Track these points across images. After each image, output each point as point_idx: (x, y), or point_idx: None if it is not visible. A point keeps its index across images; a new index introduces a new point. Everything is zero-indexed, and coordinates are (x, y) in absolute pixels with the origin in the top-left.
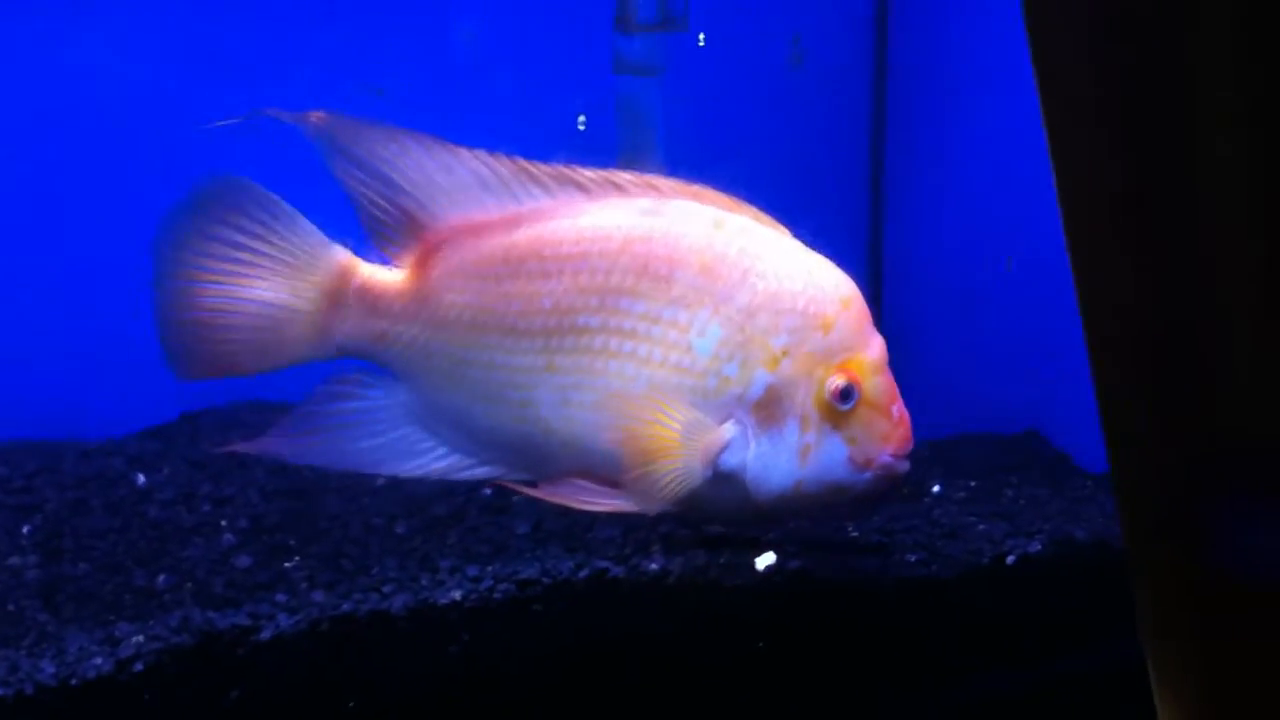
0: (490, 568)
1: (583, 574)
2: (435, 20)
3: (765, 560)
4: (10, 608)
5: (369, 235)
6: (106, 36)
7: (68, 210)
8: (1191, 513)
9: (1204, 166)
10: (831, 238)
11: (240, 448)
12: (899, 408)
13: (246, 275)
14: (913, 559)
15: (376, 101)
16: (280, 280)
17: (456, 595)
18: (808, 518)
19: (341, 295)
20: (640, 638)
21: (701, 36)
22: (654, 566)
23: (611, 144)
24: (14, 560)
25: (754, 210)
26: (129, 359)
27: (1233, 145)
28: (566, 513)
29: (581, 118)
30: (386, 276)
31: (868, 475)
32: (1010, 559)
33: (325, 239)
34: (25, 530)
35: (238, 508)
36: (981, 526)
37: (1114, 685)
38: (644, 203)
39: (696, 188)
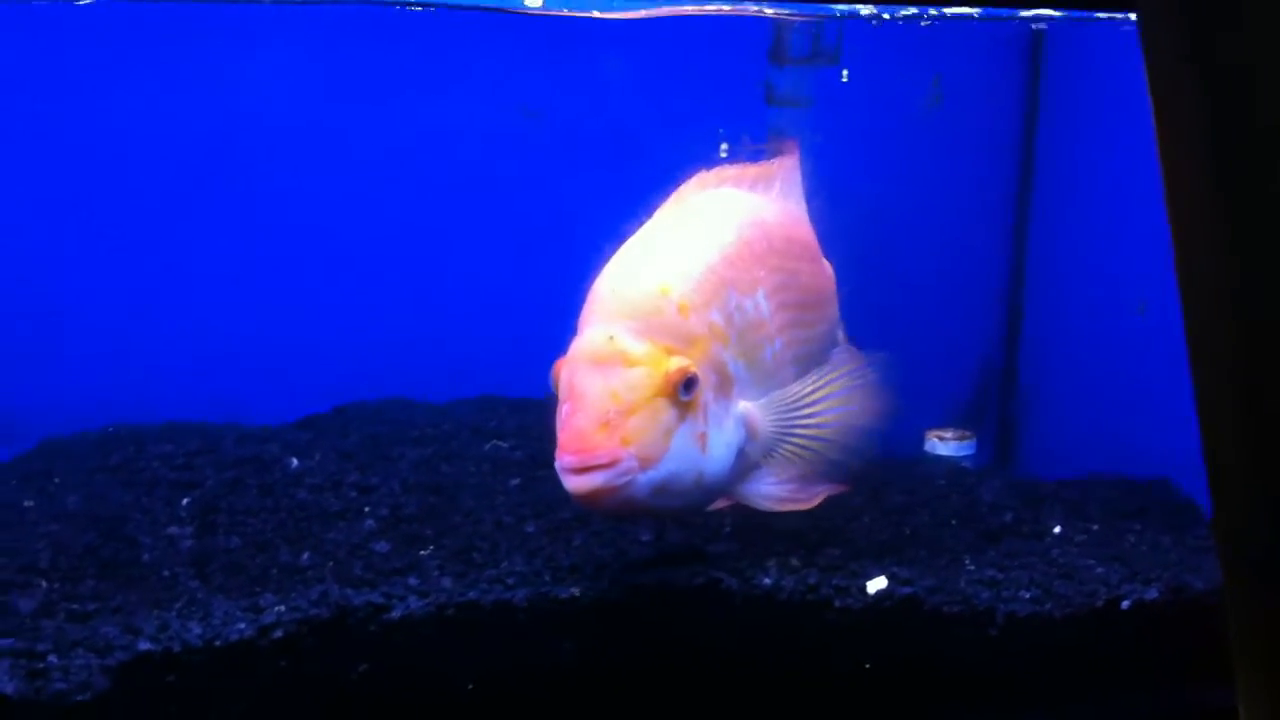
0: (610, 570)
1: (698, 581)
2: (590, 47)
3: (877, 584)
4: (165, 573)
5: None
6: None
7: (247, 225)
8: None
9: None
10: (972, 275)
11: None
12: (565, 412)
13: None
14: (1026, 595)
15: (531, 122)
16: None
17: (576, 592)
18: None
19: None
20: (749, 647)
21: (845, 72)
22: (767, 581)
23: None
24: (172, 530)
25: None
26: (288, 355)
27: None
28: (687, 525)
29: (724, 145)
30: None
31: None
32: (1125, 604)
33: None
34: (184, 503)
35: (380, 497)
36: (1099, 569)
37: None
38: None
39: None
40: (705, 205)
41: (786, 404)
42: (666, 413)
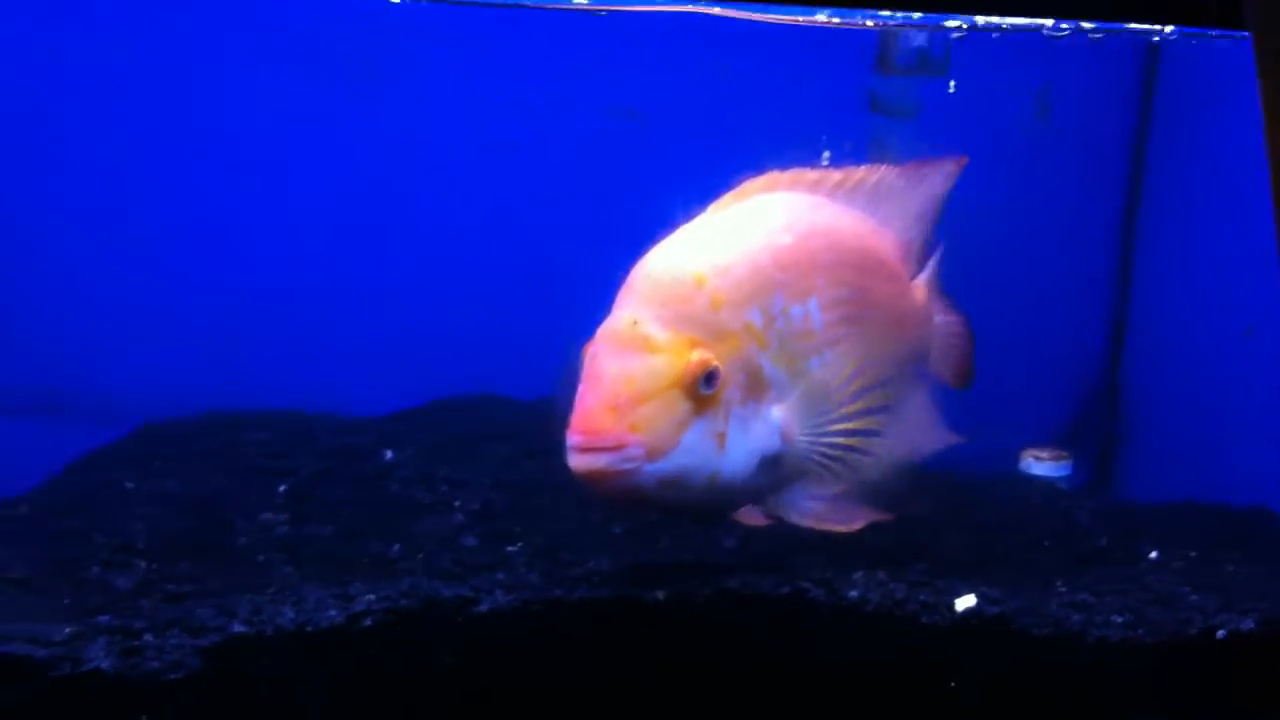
0: (695, 574)
1: (783, 590)
2: (693, 48)
3: (965, 602)
4: (259, 559)
5: None
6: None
7: (349, 220)
8: None
9: None
10: (1075, 293)
11: None
12: (581, 392)
13: None
14: (1119, 620)
15: (630, 123)
16: None
17: (660, 595)
18: None
19: None
20: (833, 659)
21: (952, 84)
22: (853, 594)
23: None
24: (267, 516)
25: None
26: (385, 348)
27: None
28: (774, 533)
29: (826, 154)
30: None
31: None
32: (1220, 633)
33: None
34: (280, 490)
35: (471, 492)
36: (1194, 597)
37: None
38: None
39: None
40: (768, 204)
41: (823, 416)
42: (681, 405)
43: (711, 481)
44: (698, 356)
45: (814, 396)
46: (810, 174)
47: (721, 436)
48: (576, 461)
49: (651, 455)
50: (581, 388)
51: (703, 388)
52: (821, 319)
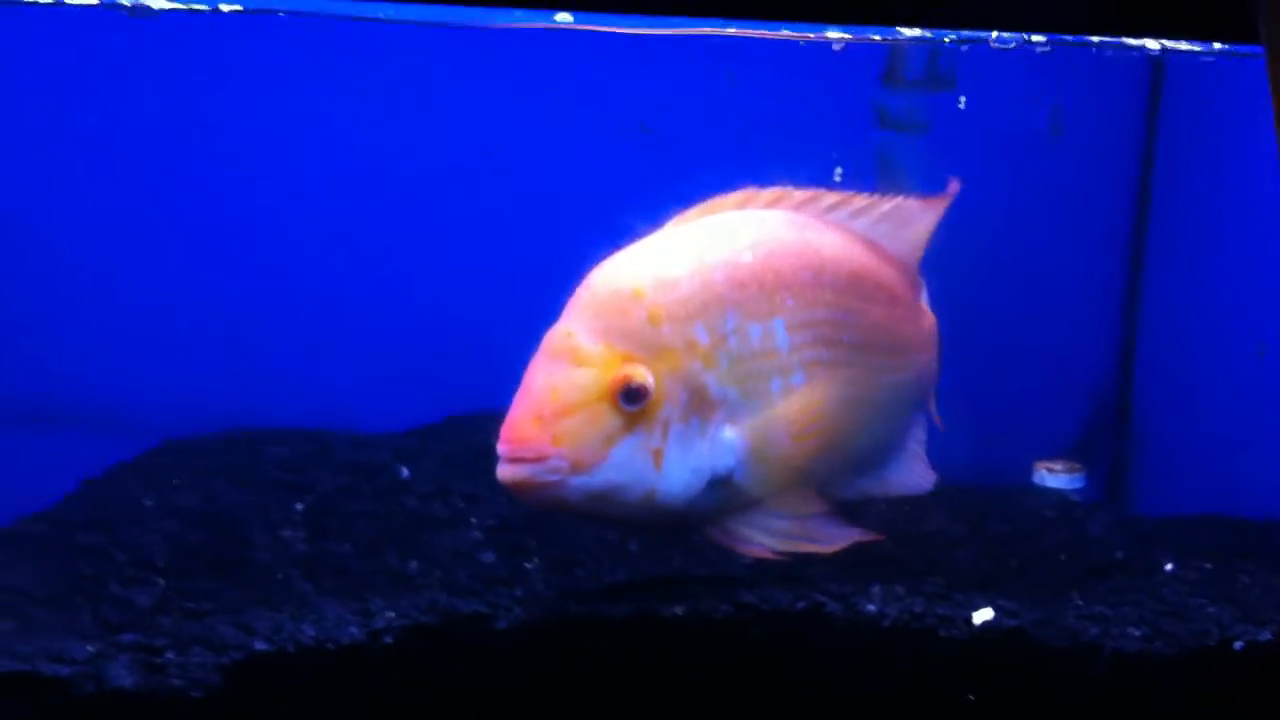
0: (710, 589)
1: (800, 605)
2: (704, 63)
3: (983, 616)
4: (279, 576)
5: None
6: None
7: (367, 237)
8: None
9: None
10: (1086, 308)
11: None
12: (513, 403)
13: None
14: (1135, 633)
15: (643, 138)
16: None
17: (678, 611)
18: None
19: None
20: (851, 673)
21: (962, 99)
22: (871, 608)
23: None
24: (286, 533)
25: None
26: (404, 363)
27: None
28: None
29: (839, 170)
30: None
31: None
32: (1238, 645)
33: None
34: (298, 507)
35: (486, 507)
36: (1211, 609)
37: None
38: None
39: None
40: (734, 221)
41: (786, 438)
42: (608, 419)
43: (649, 499)
44: (624, 371)
45: (775, 418)
46: (798, 193)
47: (658, 453)
48: (501, 471)
49: (576, 468)
50: (514, 398)
51: (624, 403)
52: (788, 340)
